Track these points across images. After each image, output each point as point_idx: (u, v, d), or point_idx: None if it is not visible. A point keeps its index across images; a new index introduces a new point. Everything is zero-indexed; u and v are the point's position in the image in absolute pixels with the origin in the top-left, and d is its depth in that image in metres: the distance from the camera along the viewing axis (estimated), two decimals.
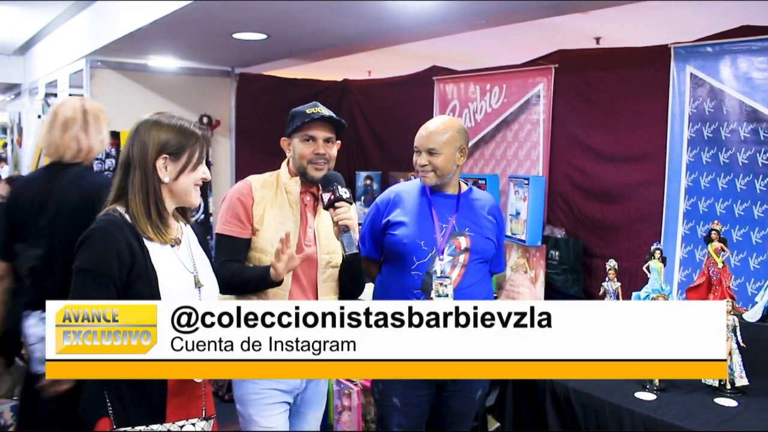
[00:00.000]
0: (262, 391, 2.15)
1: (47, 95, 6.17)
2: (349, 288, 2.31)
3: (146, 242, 1.70)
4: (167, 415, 1.69)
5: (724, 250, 2.75)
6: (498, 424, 3.05)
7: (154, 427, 1.65)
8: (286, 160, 2.30)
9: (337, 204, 2.08)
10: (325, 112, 2.20)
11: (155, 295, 1.66)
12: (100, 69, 4.90)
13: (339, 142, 2.28)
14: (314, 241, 2.22)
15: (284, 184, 2.23)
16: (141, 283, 1.65)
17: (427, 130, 2.36)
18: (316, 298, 2.21)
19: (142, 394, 1.67)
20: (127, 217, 1.70)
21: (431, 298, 2.28)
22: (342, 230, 2.07)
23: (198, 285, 1.78)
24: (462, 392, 2.40)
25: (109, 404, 1.65)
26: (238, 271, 2.13)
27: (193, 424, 1.70)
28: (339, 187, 2.11)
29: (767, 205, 2.93)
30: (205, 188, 3.42)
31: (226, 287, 2.08)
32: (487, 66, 4.37)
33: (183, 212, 1.86)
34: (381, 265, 2.49)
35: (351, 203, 2.13)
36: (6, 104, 8.89)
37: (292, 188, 2.22)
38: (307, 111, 2.19)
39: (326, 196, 2.10)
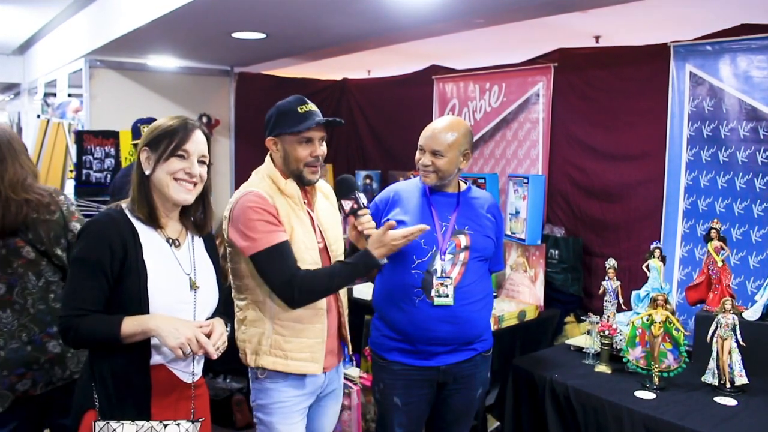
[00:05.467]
0: (288, 399, 2.11)
1: (46, 95, 6.16)
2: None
3: (141, 238, 1.73)
4: (153, 413, 1.70)
5: (723, 249, 2.75)
6: (498, 423, 3.05)
7: (138, 422, 1.66)
8: (270, 162, 2.15)
9: (360, 212, 2.07)
10: (316, 110, 2.12)
11: (143, 291, 1.69)
12: (99, 68, 4.89)
13: None
14: (322, 236, 2.18)
15: (283, 188, 2.12)
16: (131, 278, 1.68)
17: (434, 130, 2.33)
18: (339, 306, 2.22)
19: (128, 389, 1.69)
20: (127, 212, 1.76)
21: (432, 297, 2.28)
22: (366, 239, 2.06)
23: (194, 287, 1.79)
24: (462, 391, 2.41)
25: (95, 397, 1.68)
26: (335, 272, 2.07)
27: (178, 425, 1.70)
28: (360, 195, 2.08)
29: (767, 204, 2.93)
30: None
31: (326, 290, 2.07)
32: (487, 65, 4.37)
33: (193, 223, 1.87)
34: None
35: (368, 208, 2.12)
36: (5, 104, 8.89)
37: (293, 192, 2.12)
38: (299, 110, 2.08)
39: (347, 205, 2.08)
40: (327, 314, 2.14)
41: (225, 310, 1.96)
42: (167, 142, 1.74)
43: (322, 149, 2.14)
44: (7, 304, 2.07)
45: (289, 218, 2.08)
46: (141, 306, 1.68)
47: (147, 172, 1.76)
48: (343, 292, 2.24)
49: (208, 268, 1.88)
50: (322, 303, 2.12)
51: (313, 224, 2.16)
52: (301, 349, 2.09)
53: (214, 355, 1.70)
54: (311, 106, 2.13)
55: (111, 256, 1.66)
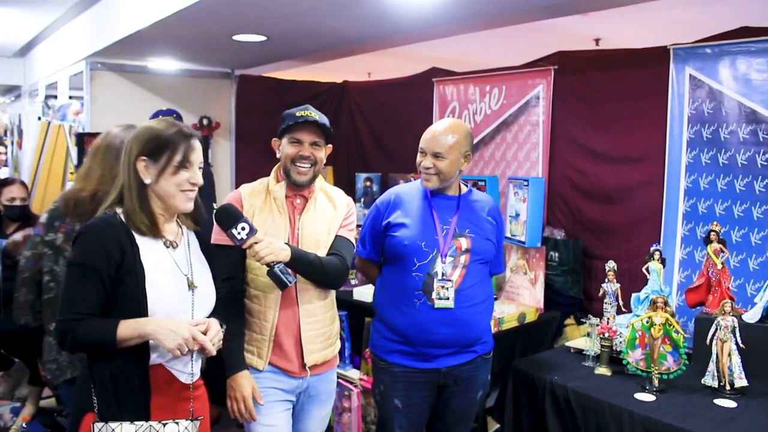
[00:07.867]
0: (262, 390, 2.17)
1: (47, 97, 6.17)
2: (322, 285, 2.25)
3: (138, 241, 1.74)
4: (152, 414, 1.71)
5: (723, 251, 2.75)
6: (498, 426, 3.05)
7: (137, 423, 1.67)
8: (276, 165, 2.30)
9: (243, 246, 2.02)
10: (315, 115, 2.18)
11: (142, 293, 1.69)
12: (100, 71, 4.89)
13: (330, 146, 2.28)
14: (298, 244, 2.20)
15: (271, 190, 2.22)
16: (129, 280, 1.69)
17: (435, 133, 2.34)
18: (296, 302, 2.20)
19: (127, 391, 1.70)
20: (121, 216, 1.76)
21: (432, 300, 2.28)
22: (271, 265, 2.01)
23: (192, 287, 1.80)
24: (462, 393, 2.41)
25: (94, 399, 1.69)
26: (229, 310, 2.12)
27: (177, 423, 1.71)
28: (232, 231, 1.99)
29: (766, 206, 2.94)
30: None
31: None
32: (487, 67, 4.38)
33: (189, 216, 1.88)
34: (381, 266, 2.49)
35: (255, 232, 2.01)
36: (6, 106, 8.89)
37: (277, 194, 2.21)
38: (297, 114, 2.18)
39: (233, 241, 2.00)
40: (287, 323, 2.18)
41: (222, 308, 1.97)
42: (170, 153, 1.75)
43: (315, 152, 2.20)
44: None
45: (253, 218, 2.15)
46: (140, 308, 1.69)
47: (147, 181, 1.76)
48: (308, 309, 2.21)
49: (205, 268, 1.90)
50: (271, 302, 2.16)
51: (292, 231, 2.20)
52: (248, 341, 2.20)
53: (213, 351, 1.73)
54: (311, 113, 2.18)
55: (108, 261, 1.67)
